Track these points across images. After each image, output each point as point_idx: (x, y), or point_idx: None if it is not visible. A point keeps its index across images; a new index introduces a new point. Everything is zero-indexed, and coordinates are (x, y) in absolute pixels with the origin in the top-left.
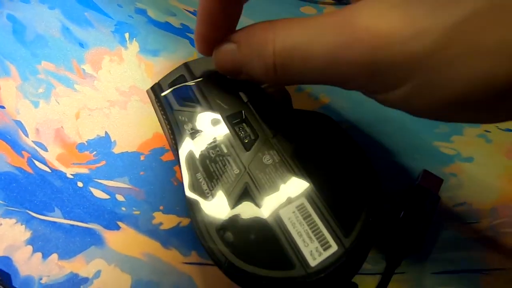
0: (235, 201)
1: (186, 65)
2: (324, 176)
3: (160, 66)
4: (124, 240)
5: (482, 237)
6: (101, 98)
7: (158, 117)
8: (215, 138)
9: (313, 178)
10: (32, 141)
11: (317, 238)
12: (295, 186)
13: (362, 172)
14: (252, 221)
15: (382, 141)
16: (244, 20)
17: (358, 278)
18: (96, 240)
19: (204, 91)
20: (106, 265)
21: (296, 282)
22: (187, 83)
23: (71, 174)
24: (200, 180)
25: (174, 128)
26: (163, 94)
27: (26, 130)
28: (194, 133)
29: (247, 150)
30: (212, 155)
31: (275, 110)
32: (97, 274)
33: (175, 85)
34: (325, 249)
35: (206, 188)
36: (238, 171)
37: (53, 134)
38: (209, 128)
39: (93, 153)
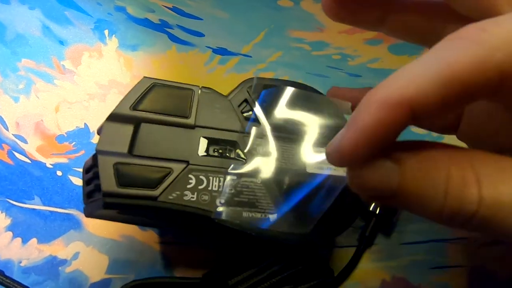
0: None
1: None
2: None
3: (139, 60)
4: (102, 223)
5: None
6: (80, 92)
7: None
8: (218, 179)
9: (303, 128)
10: (12, 134)
11: None
12: (296, 144)
13: None
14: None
15: None
16: (218, 14)
17: (333, 251)
18: (74, 224)
19: (146, 151)
20: (84, 247)
21: None
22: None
23: (51, 164)
24: (252, 215)
25: (178, 214)
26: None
27: (6, 124)
28: (200, 195)
29: (241, 159)
30: (232, 191)
31: (220, 111)
32: (76, 255)
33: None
34: None
35: (261, 216)
36: (260, 179)
37: (33, 127)
38: (202, 177)
39: (72, 143)
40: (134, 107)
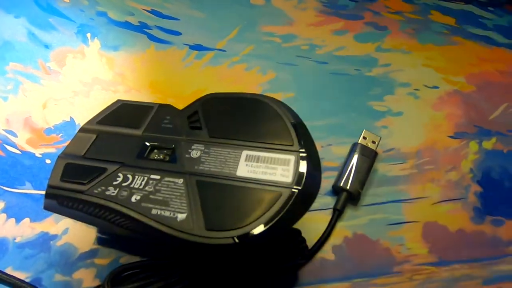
0: (201, 202)
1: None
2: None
3: (121, 59)
4: None
5: (407, 174)
6: (65, 89)
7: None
8: (142, 178)
9: (242, 135)
10: (3, 129)
11: (277, 164)
12: (233, 149)
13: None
14: (229, 188)
15: (323, 105)
16: (194, 14)
17: (307, 214)
18: None
19: (95, 154)
20: (73, 223)
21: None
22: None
23: (40, 154)
24: (161, 213)
25: (99, 207)
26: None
27: None
28: (120, 191)
29: (175, 162)
30: (151, 189)
31: (169, 122)
32: (65, 231)
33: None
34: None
35: (170, 214)
36: (182, 180)
37: (22, 122)
38: (129, 175)
39: (59, 135)
40: (99, 122)
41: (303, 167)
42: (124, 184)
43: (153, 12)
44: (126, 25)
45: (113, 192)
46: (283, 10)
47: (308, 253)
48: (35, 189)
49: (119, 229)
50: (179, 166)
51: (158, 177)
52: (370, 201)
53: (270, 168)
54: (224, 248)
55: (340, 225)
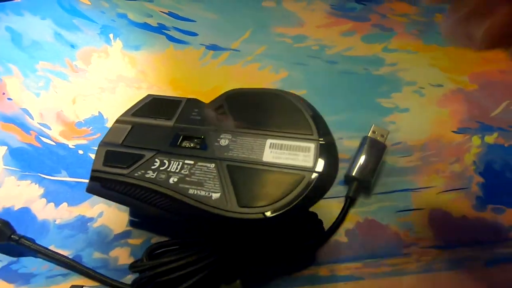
0: (232, 183)
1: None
2: (270, 120)
3: (142, 58)
4: None
5: (413, 165)
6: (92, 86)
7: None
8: (177, 163)
9: (266, 126)
10: (37, 122)
11: (299, 151)
12: (258, 137)
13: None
14: (257, 171)
15: (334, 102)
16: (209, 16)
17: (320, 202)
18: None
19: (133, 143)
20: (107, 207)
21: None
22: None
23: (73, 145)
24: (197, 193)
25: (139, 188)
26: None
27: (31, 115)
28: (159, 174)
29: (206, 149)
30: (186, 172)
31: (197, 114)
32: (100, 214)
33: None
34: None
35: (205, 194)
36: (214, 164)
37: (54, 116)
38: (165, 161)
39: (89, 128)
40: (133, 114)
41: (322, 153)
42: (161, 168)
43: (170, 14)
44: (146, 26)
45: (152, 175)
46: (294, 12)
47: (325, 234)
48: (70, 177)
49: (155, 210)
50: (210, 153)
51: (192, 162)
52: (380, 190)
53: (292, 155)
54: (254, 223)
55: (352, 211)
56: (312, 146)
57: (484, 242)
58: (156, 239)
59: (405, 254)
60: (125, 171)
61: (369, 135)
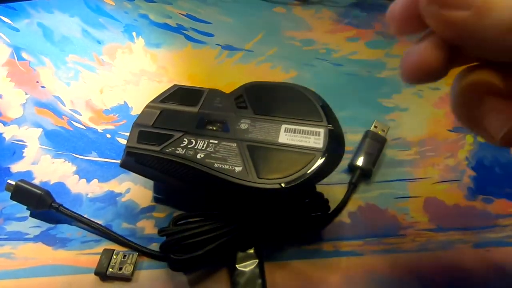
0: (252, 160)
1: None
2: (284, 107)
3: (163, 55)
4: None
5: (411, 159)
6: (118, 79)
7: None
8: (203, 142)
9: (281, 113)
10: (69, 109)
11: (310, 135)
12: (274, 123)
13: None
14: (274, 150)
15: (339, 100)
16: (220, 19)
17: (324, 188)
18: (124, 170)
19: (162, 125)
20: (133, 185)
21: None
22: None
23: (101, 130)
24: (222, 166)
25: (170, 163)
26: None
27: (63, 102)
28: (187, 151)
29: (228, 131)
30: (211, 150)
31: (219, 102)
32: (128, 190)
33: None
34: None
35: (229, 167)
36: (235, 144)
37: (84, 103)
38: (193, 140)
39: (116, 115)
40: (162, 100)
41: (331, 137)
42: (189, 146)
43: (188, 16)
44: (165, 26)
45: (182, 152)
46: (302, 18)
47: (329, 210)
48: (100, 157)
49: (180, 183)
50: (231, 134)
51: (216, 141)
52: (380, 179)
53: (304, 138)
54: (273, 192)
55: (354, 196)
56: (322, 131)
57: (473, 227)
58: (177, 213)
59: (402, 235)
60: (157, 148)
61: (371, 129)
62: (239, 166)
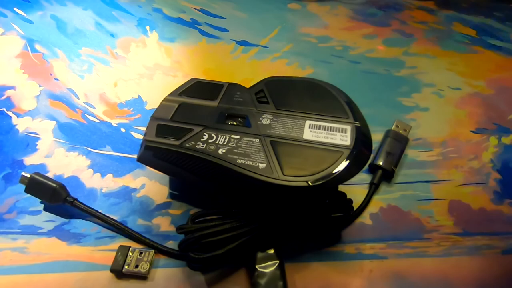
0: (276, 156)
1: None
2: (307, 104)
3: (177, 49)
4: None
5: (433, 160)
6: (132, 72)
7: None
8: (225, 137)
9: (304, 109)
10: (83, 102)
11: (336, 132)
12: (297, 119)
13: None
14: (299, 147)
15: (357, 98)
16: (235, 14)
17: (344, 188)
18: (139, 165)
19: (181, 118)
20: (148, 181)
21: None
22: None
23: (115, 124)
24: (245, 162)
25: (190, 157)
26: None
27: (77, 95)
28: (208, 145)
29: (249, 126)
30: (233, 145)
31: (239, 97)
32: (143, 186)
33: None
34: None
35: (253, 163)
36: (258, 139)
37: (98, 97)
38: (213, 134)
39: (130, 109)
40: (180, 94)
41: (358, 134)
42: (210, 141)
43: (202, 10)
44: (180, 21)
45: (202, 146)
46: (318, 14)
47: (353, 210)
48: (114, 151)
49: (201, 179)
50: (253, 130)
51: (237, 136)
52: (402, 180)
53: (330, 134)
54: (299, 190)
55: (375, 198)
56: (348, 127)
57: (501, 232)
58: (193, 211)
59: (426, 239)
60: (176, 142)
61: (392, 128)
62: (263, 163)
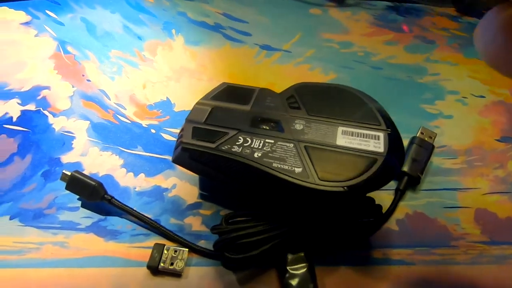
0: (311, 161)
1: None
2: (338, 110)
3: (202, 53)
4: None
5: (458, 168)
6: (160, 75)
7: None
8: (259, 141)
9: (336, 115)
10: (114, 103)
11: (369, 138)
12: (329, 125)
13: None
14: (333, 152)
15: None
16: (257, 18)
17: (371, 194)
18: (169, 166)
19: (215, 122)
20: (179, 181)
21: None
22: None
23: (146, 125)
24: (281, 166)
25: (226, 160)
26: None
27: (108, 96)
28: (244, 149)
29: (283, 131)
30: (268, 149)
31: (270, 102)
32: (174, 186)
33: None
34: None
35: (289, 167)
36: (292, 144)
37: (128, 98)
38: (248, 138)
39: (159, 111)
40: (212, 98)
41: (391, 141)
42: (245, 144)
43: (225, 15)
44: (203, 25)
45: (238, 150)
46: (339, 20)
47: (383, 216)
48: (145, 152)
49: (235, 182)
50: (287, 135)
51: (272, 141)
52: (427, 187)
53: (363, 141)
54: (335, 195)
55: (401, 204)
56: (381, 135)
57: None
58: (224, 212)
59: (453, 246)
60: (212, 145)
61: (417, 135)
62: (298, 167)
